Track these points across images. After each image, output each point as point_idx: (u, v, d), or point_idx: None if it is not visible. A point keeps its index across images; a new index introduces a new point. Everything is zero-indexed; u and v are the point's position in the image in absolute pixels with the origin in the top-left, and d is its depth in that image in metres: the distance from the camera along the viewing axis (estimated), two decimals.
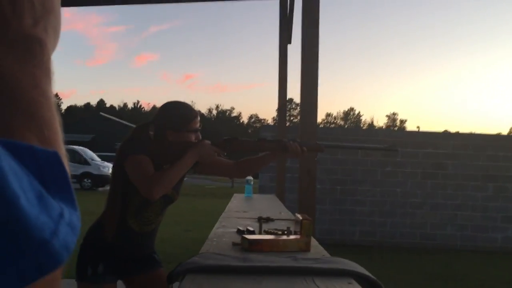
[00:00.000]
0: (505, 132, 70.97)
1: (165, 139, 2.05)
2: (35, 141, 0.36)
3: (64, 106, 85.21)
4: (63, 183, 0.33)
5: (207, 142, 2.05)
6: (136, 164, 1.92)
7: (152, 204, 2.07)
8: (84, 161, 19.36)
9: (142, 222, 2.09)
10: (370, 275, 1.29)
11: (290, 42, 6.04)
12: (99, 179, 18.81)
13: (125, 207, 2.05)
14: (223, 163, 2.20)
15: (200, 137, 2.11)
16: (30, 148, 0.32)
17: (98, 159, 20.18)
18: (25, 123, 0.36)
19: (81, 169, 19.17)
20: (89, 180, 19.19)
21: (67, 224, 0.30)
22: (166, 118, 2.08)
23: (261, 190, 8.32)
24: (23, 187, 0.28)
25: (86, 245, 2.09)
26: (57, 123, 0.39)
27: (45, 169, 0.32)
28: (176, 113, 2.08)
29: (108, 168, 18.23)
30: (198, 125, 2.11)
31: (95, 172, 19.10)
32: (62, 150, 0.38)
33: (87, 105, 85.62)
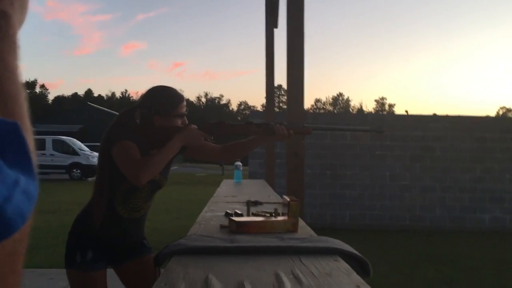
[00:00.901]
0: (493, 114, 71.61)
1: (151, 125, 2.03)
2: None
3: (51, 97, 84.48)
4: (22, 153, 0.33)
5: (194, 126, 2.05)
6: (122, 150, 1.90)
7: (139, 190, 2.06)
8: (73, 152, 19.25)
9: (130, 208, 2.07)
10: (356, 252, 1.29)
11: (276, 27, 6.00)
12: (88, 169, 18.73)
13: (113, 194, 2.04)
14: (210, 147, 2.20)
15: (187, 121, 2.10)
16: None
17: (87, 149, 20.07)
18: None
19: (70, 160, 19.07)
20: (78, 171, 19.10)
21: (23, 192, 0.30)
22: (153, 104, 2.05)
23: (251, 176, 8.34)
24: None
25: (74, 233, 2.07)
26: (22, 98, 0.38)
27: (2, 138, 0.31)
28: (163, 98, 2.06)
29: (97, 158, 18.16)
30: (184, 109, 2.09)
31: (84, 162, 19.01)
32: (26, 124, 0.37)
33: (75, 95, 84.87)
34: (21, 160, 0.32)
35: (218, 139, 2.17)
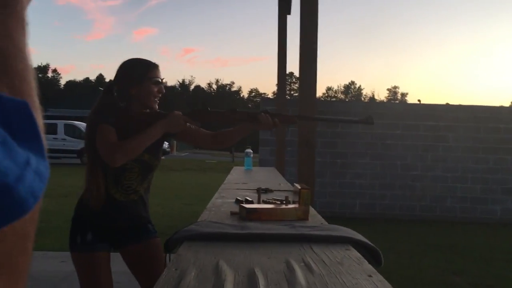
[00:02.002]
0: (507, 104, 70.77)
1: (129, 98, 2.05)
2: (5, 91, 0.34)
3: (63, 82, 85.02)
4: (32, 132, 0.32)
5: (177, 112, 2.07)
6: (99, 133, 1.96)
7: (128, 171, 2.08)
8: None
9: (124, 191, 2.10)
10: (368, 241, 1.28)
11: (289, 13, 5.95)
12: None
13: (104, 178, 2.07)
14: (200, 133, 2.22)
15: (163, 90, 2.10)
16: None
17: None
18: None
19: (81, 144, 19.11)
20: None
21: (34, 172, 0.29)
22: (125, 75, 2.08)
23: (262, 163, 8.33)
24: None
25: (74, 218, 2.13)
26: (31, 75, 0.37)
27: (11, 117, 0.31)
28: (133, 66, 2.09)
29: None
30: (159, 75, 2.09)
31: None
32: (35, 102, 0.37)
33: (87, 80, 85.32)
34: (31, 140, 0.31)
35: (205, 126, 2.19)
